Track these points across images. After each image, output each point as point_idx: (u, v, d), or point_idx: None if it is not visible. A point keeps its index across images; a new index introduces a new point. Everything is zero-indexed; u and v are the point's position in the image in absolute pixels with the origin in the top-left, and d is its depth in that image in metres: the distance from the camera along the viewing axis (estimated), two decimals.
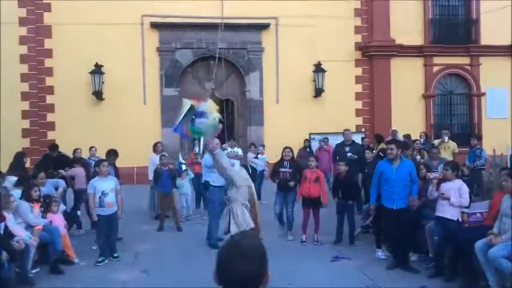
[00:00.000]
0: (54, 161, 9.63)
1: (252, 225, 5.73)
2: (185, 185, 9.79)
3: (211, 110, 5.40)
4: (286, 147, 8.50)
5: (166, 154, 9.74)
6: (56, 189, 8.12)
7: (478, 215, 5.99)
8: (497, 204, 5.76)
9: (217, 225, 7.46)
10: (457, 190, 6.01)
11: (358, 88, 16.28)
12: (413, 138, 12.02)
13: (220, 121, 5.54)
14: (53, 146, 10.26)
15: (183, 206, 9.92)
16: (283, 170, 8.23)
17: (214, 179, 7.59)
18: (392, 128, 13.41)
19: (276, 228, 8.35)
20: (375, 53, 16.02)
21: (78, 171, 9.06)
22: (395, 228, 6.42)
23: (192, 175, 10.09)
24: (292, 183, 8.14)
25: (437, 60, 16.67)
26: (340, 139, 12.59)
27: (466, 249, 5.50)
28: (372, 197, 6.70)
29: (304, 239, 7.89)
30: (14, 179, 7.12)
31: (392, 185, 6.31)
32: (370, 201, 6.71)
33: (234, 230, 5.64)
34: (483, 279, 5.38)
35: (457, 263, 5.83)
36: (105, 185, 7.07)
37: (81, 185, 8.90)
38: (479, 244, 5.31)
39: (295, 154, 12.46)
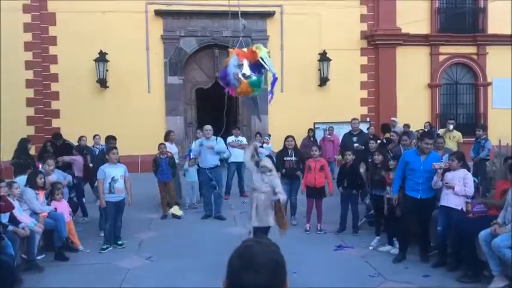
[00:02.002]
0: (59, 149, 9.65)
1: (272, 223, 5.80)
2: (193, 173, 9.85)
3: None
4: (288, 136, 8.56)
5: (165, 143, 9.75)
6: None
7: (482, 205, 5.97)
8: (499, 193, 5.73)
9: (209, 200, 9.04)
10: (461, 179, 5.98)
11: (364, 77, 16.18)
12: (417, 128, 11.99)
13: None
14: (57, 135, 10.27)
15: (189, 194, 9.98)
16: (289, 159, 8.33)
17: (203, 162, 9.05)
18: (392, 118, 13.36)
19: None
20: (381, 41, 15.88)
21: (77, 159, 9.08)
22: (416, 218, 6.36)
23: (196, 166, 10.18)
24: (299, 173, 8.31)
25: (443, 49, 16.51)
26: (345, 128, 12.57)
27: (470, 239, 5.49)
28: (395, 187, 6.55)
29: (308, 228, 7.91)
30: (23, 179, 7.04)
31: (418, 176, 6.26)
32: (393, 192, 6.60)
33: (255, 223, 5.72)
34: (486, 268, 5.38)
35: (460, 253, 5.82)
36: (114, 171, 7.12)
37: (79, 173, 8.93)
38: (483, 234, 5.30)
39: (299, 143, 12.57)
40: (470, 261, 5.61)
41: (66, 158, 9.22)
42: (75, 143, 10.36)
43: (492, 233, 5.22)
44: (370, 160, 8.71)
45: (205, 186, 9.20)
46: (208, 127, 9.04)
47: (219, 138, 9.06)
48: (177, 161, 9.89)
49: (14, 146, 10.03)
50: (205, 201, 9.19)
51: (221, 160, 9.34)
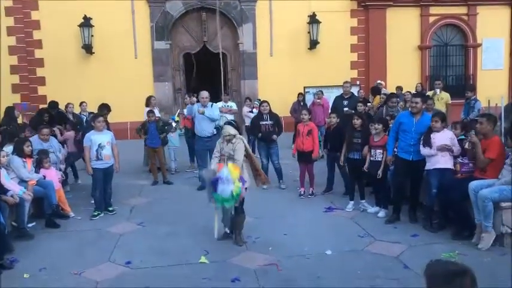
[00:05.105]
0: (54, 119, 9.46)
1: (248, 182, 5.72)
2: (175, 138, 9.86)
3: (233, 176, 5.00)
4: (263, 101, 8.74)
5: (154, 110, 9.62)
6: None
7: (471, 165, 6.02)
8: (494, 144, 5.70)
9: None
10: (450, 140, 5.99)
11: (354, 40, 16.00)
12: (407, 90, 11.95)
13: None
14: (53, 104, 10.06)
15: (172, 159, 10.03)
16: (265, 123, 8.42)
17: (199, 130, 8.61)
18: (377, 81, 13.31)
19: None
20: (371, 3, 15.63)
21: (69, 134, 8.95)
22: (407, 180, 6.39)
23: (180, 131, 10.17)
24: (275, 137, 8.39)
25: (433, 10, 16.32)
26: (334, 92, 12.51)
27: (458, 198, 5.56)
28: (389, 148, 6.53)
29: (302, 192, 7.93)
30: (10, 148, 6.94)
31: (410, 137, 6.24)
32: (388, 153, 6.55)
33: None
34: (473, 227, 5.49)
35: (448, 212, 5.91)
36: (101, 138, 7.04)
37: (71, 149, 8.84)
38: (474, 183, 5.42)
39: (289, 108, 12.51)
40: (459, 219, 5.71)
41: (60, 138, 9.05)
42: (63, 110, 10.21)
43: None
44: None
45: (201, 155, 8.74)
46: (205, 94, 8.58)
47: (214, 104, 8.88)
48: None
49: None
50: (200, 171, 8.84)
51: (217, 128, 9.00)
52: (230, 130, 5.68)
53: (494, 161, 5.59)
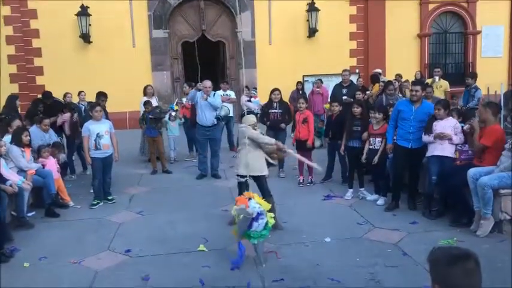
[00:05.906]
0: (50, 108, 9.41)
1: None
2: (174, 128, 9.86)
3: (263, 207, 4.66)
4: (275, 89, 8.53)
5: (151, 100, 9.55)
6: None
7: (470, 152, 6.01)
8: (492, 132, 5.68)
9: (205, 159, 8.66)
10: (452, 128, 5.97)
11: (353, 28, 15.92)
12: (406, 78, 11.93)
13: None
14: (47, 94, 9.99)
15: (172, 149, 10.00)
16: (274, 111, 8.37)
17: (201, 119, 8.47)
18: (375, 70, 13.26)
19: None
20: None
21: (66, 116, 8.92)
22: (406, 167, 6.40)
23: (180, 120, 10.12)
24: (283, 125, 8.31)
25: None
26: (334, 81, 12.47)
27: (457, 185, 5.56)
28: (388, 136, 6.51)
29: (301, 181, 7.94)
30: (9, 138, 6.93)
31: (409, 125, 6.22)
32: (388, 141, 6.54)
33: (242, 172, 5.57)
34: (471, 214, 5.49)
35: (447, 200, 5.91)
36: (99, 128, 7.03)
37: (69, 131, 8.83)
38: (472, 171, 5.41)
39: (288, 96, 12.48)
40: (457, 206, 5.71)
41: (59, 121, 9.03)
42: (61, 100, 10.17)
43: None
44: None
45: (201, 144, 8.70)
46: (208, 83, 8.37)
47: (216, 93, 8.82)
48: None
49: None
50: (200, 160, 8.76)
51: (217, 119, 8.81)
52: (254, 119, 5.81)
53: (489, 148, 5.58)
